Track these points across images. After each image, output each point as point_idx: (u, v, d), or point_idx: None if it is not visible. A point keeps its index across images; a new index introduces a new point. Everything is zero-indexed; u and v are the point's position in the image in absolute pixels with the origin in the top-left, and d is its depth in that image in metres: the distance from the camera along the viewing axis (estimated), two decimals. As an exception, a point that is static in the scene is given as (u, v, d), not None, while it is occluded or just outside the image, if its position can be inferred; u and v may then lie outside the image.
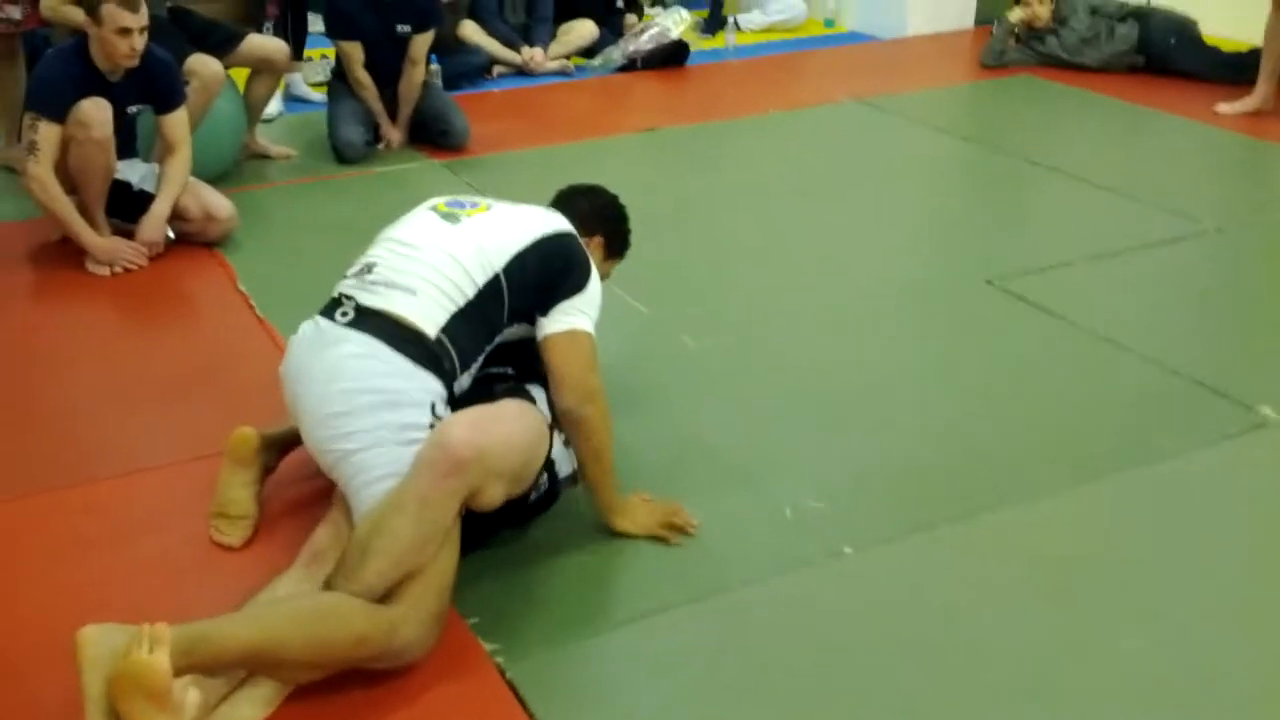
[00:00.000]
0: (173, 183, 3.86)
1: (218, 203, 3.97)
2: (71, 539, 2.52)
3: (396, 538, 2.04)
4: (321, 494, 2.59)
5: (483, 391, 2.37)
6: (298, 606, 2.02)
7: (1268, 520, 2.61)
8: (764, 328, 3.44)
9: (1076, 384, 3.14)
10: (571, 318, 2.39)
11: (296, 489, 2.63)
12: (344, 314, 2.28)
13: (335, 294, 2.36)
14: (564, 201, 2.70)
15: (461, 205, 2.49)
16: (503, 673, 2.13)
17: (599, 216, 2.71)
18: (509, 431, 2.15)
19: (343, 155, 4.83)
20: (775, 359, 3.27)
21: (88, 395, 3.10)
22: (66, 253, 3.85)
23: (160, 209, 3.84)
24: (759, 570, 2.41)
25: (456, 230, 2.39)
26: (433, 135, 4.99)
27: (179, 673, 1.85)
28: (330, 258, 3.94)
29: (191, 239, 3.95)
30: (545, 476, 2.35)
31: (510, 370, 2.51)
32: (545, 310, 2.40)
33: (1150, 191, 4.44)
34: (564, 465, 2.42)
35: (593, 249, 2.59)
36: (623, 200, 2.81)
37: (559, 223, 2.50)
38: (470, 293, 2.32)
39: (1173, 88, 5.77)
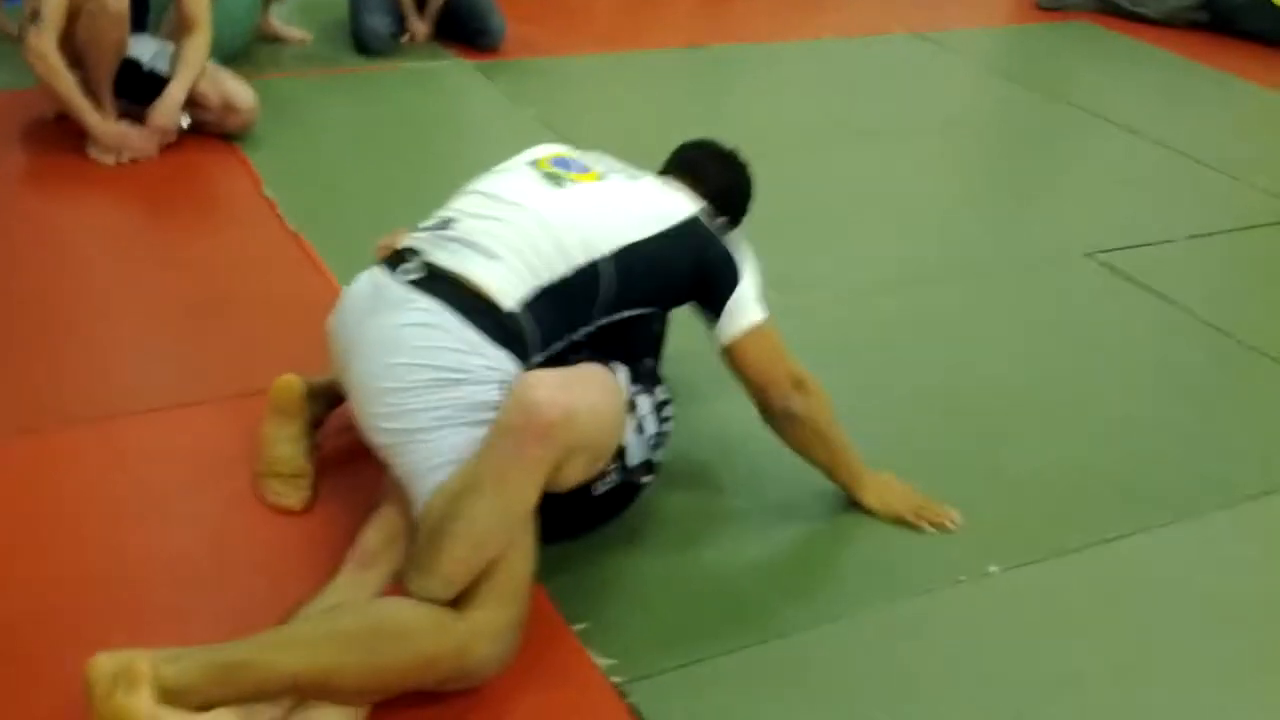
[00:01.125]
0: (190, 65, 3.41)
1: (239, 92, 3.53)
2: (91, 487, 2.16)
3: (474, 520, 1.72)
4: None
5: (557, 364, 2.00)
6: (351, 625, 1.68)
7: None
8: (845, 303, 3.07)
9: (1208, 382, 2.86)
10: (743, 314, 2.08)
11: (348, 440, 2.27)
12: (409, 271, 1.91)
13: (402, 246, 1.98)
14: (691, 162, 2.31)
15: (568, 166, 2.09)
16: (622, 696, 1.82)
17: (726, 195, 2.31)
18: (596, 396, 1.81)
19: (366, 46, 4.38)
20: (864, 342, 2.90)
21: (96, 310, 2.70)
22: (65, 133, 3.39)
23: (176, 93, 3.39)
24: (898, 589, 2.11)
25: (558, 196, 2.01)
26: (466, 34, 4.54)
27: (212, 704, 1.56)
28: (358, 164, 3.64)
29: (207, 129, 3.51)
30: (615, 466, 1.98)
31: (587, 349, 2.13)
32: (711, 317, 2.10)
33: (1242, 167, 4.13)
34: (636, 452, 2.03)
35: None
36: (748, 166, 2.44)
37: (681, 207, 2.11)
38: (560, 272, 1.94)
39: (1241, 50, 5.45)
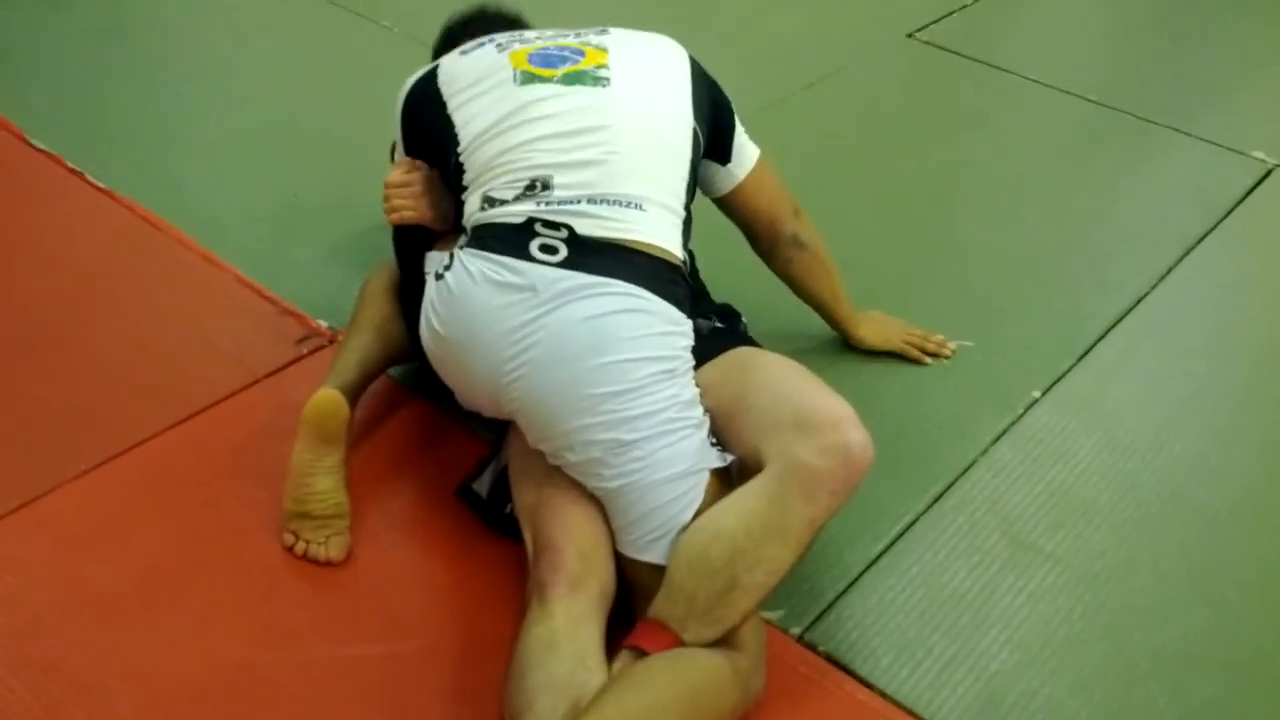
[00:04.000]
0: None
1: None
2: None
3: (777, 572, 1.53)
4: (410, 451, 1.97)
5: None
6: (673, 692, 1.46)
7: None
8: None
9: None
10: (749, 146, 1.94)
11: (374, 450, 1.96)
12: (553, 250, 1.60)
13: (508, 220, 1.64)
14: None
15: (565, 59, 1.78)
16: (813, 648, 1.71)
17: None
18: None
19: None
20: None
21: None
22: None
23: None
24: (975, 438, 2.08)
25: (622, 96, 1.73)
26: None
27: None
28: (107, 71, 3.03)
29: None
30: None
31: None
32: (725, 155, 1.90)
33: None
34: None
35: None
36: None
37: (669, 40, 1.92)
38: (687, 177, 1.72)
39: None
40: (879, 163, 2.86)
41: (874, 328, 2.21)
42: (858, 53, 3.33)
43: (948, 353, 2.24)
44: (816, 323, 2.20)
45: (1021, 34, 3.55)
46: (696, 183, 1.80)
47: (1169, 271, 2.51)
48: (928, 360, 2.22)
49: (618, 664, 1.52)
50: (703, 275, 2.00)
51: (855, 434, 1.53)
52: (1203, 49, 3.46)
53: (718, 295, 1.99)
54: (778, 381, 1.66)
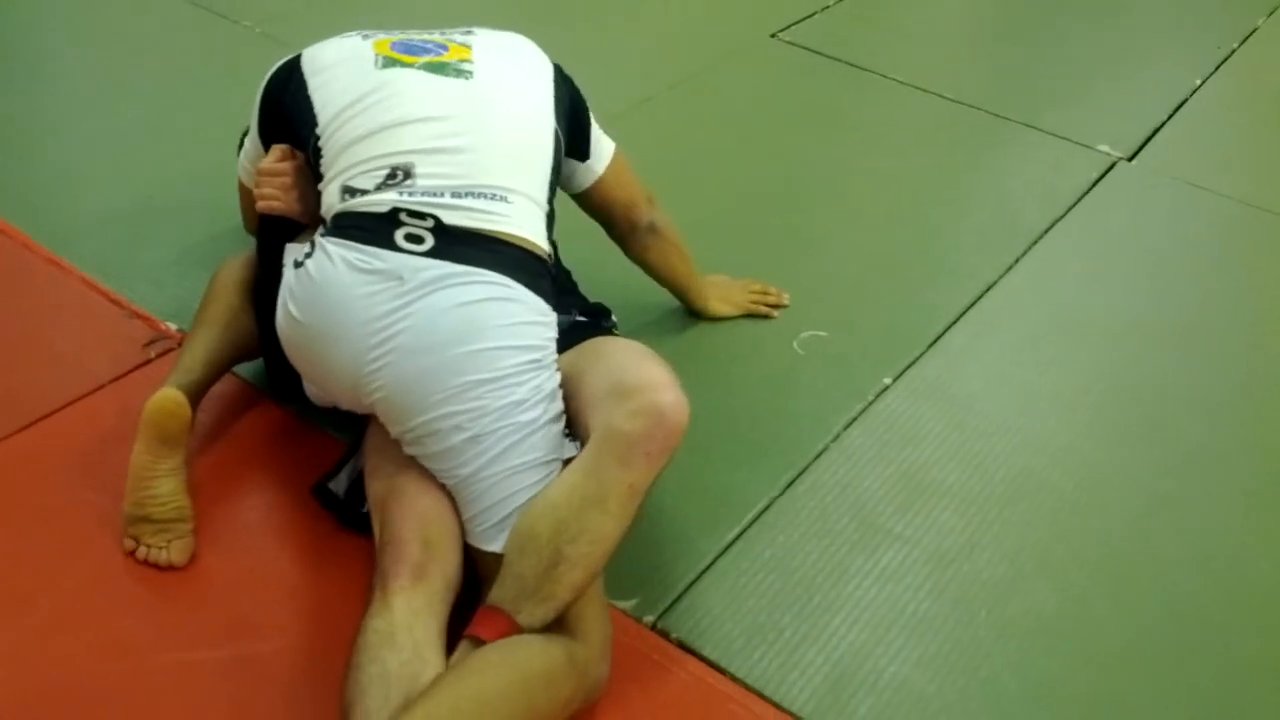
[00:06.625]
0: None
1: None
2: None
3: (602, 541, 1.50)
4: (261, 452, 1.94)
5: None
6: (501, 684, 1.43)
7: None
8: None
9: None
10: (605, 141, 1.98)
11: (223, 451, 1.93)
12: (416, 239, 1.59)
13: (371, 209, 1.62)
14: None
15: (428, 50, 1.78)
16: (665, 635, 1.72)
17: None
18: None
19: None
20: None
21: None
22: None
23: None
24: (827, 422, 2.12)
25: (484, 87, 1.74)
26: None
27: None
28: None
29: None
30: None
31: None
32: (584, 153, 1.93)
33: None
34: None
35: None
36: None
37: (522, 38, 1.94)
38: (550, 175, 1.74)
39: None
40: (741, 159, 2.90)
41: (720, 294, 2.29)
42: (723, 53, 3.38)
43: (785, 301, 2.35)
44: (682, 318, 2.26)
45: (881, 34, 3.62)
46: (559, 181, 1.82)
47: (1017, 261, 2.58)
48: (776, 314, 2.32)
49: (456, 655, 1.50)
50: (575, 274, 2.01)
51: (668, 395, 1.51)
52: (1053, 50, 3.58)
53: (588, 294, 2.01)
54: (607, 360, 1.65)
